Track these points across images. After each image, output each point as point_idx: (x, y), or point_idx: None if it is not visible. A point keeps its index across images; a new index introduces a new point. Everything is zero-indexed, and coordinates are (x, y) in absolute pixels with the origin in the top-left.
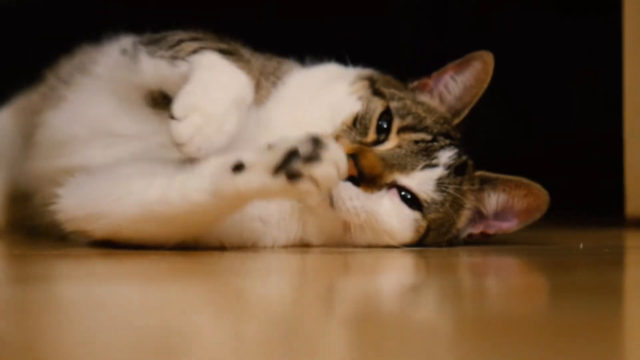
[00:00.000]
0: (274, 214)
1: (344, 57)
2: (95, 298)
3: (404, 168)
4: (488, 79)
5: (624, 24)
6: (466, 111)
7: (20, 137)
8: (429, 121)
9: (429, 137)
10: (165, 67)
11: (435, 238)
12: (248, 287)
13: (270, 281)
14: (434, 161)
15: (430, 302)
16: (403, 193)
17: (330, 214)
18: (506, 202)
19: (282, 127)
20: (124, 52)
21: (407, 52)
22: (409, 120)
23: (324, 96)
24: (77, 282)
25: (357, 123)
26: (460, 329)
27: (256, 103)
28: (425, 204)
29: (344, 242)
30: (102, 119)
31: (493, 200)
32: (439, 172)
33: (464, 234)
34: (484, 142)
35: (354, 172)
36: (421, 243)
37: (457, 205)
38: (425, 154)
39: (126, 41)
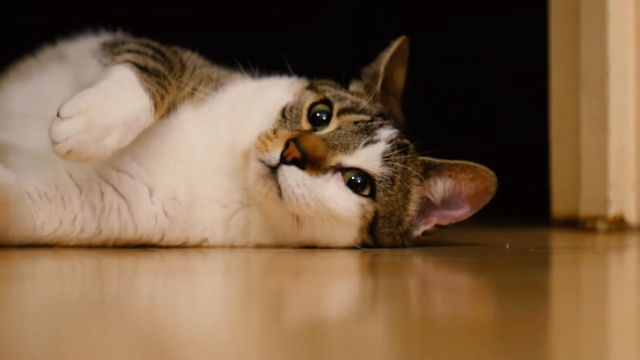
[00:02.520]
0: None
1: (286, 68)
2: None
3: (346, 148)
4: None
5: (550, 33)
6: (379, 79)
7: None
8: (364, 104)
9: (367, 118)
10: (101, 73)
11: (388, 229)
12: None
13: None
14: (375, 137)
15: (360, 304)
16: (353, 178)
17: (278, 207)
18: (453, 187)
19: (221, 128)
20: (92, 53)
21: (334, 54)
22: (347, 103)
23: (261, 98)
24: None
25: (287, 113)
26: (386, 331)
27: (195, 104)
28: (377, 179)
29: (297, 242)
30: (50, 105)
31: (440, 186)
32: (381, 146)
33: (418, 231)
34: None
35: (297, 154)
36: (377, 244)
37: (404, 189)
38: (366, 132)
39: (96, 42)
